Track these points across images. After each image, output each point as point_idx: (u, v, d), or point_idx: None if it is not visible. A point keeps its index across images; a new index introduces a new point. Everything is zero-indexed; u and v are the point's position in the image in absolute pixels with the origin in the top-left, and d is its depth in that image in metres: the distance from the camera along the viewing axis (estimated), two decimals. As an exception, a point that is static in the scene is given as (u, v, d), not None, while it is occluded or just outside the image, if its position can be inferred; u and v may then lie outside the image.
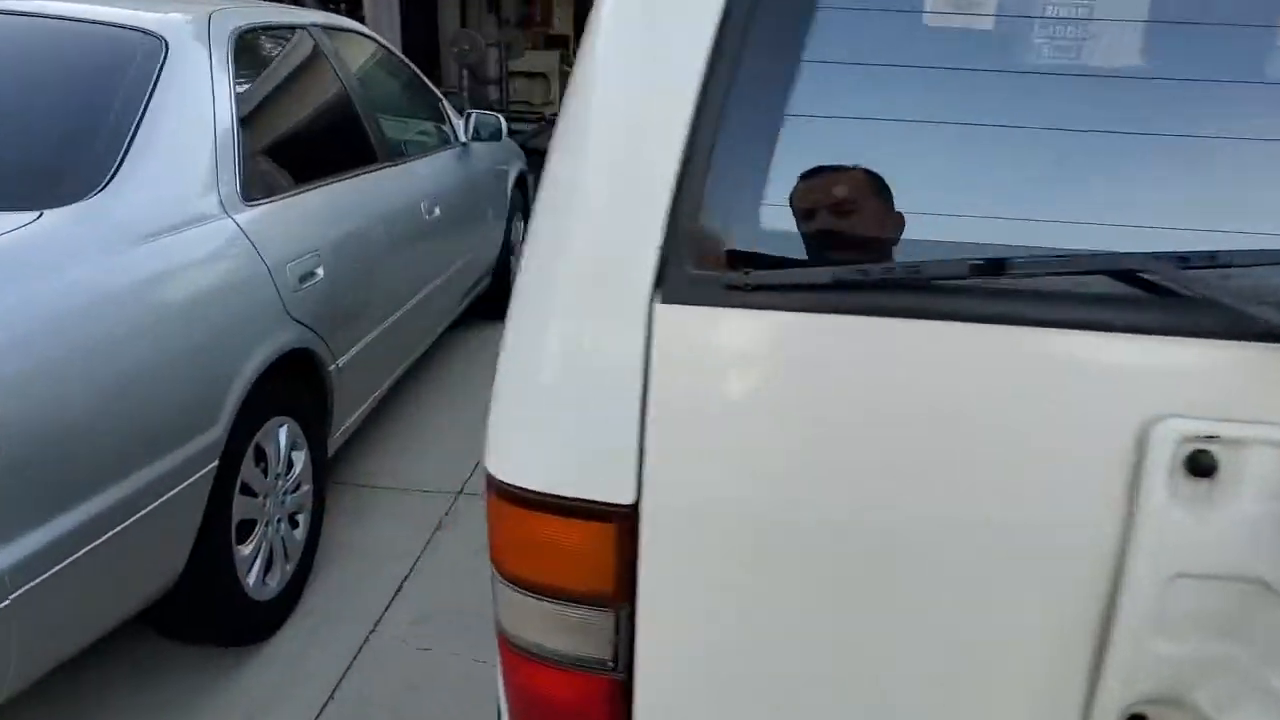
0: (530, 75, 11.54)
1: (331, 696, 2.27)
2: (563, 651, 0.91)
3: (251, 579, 2.33)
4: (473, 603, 2.65)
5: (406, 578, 2.76)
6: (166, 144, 2.20)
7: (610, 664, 0.91)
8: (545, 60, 11.86)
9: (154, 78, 2.27)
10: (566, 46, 12.46)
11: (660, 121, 0.84)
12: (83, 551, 1.74)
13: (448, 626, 2.55)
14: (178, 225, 2.12)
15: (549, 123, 10.07)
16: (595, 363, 0.86)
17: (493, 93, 10.59)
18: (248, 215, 2.36)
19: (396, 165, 3.39)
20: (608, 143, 0.87)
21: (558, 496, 0.87)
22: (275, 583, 2.45)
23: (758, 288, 0.83)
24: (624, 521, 0.87)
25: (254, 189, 2.43)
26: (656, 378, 0.84)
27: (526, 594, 0.92)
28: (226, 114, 2.41)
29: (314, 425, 2.65)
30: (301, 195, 2.65)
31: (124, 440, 1.85)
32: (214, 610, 2.25)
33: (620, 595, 0.89)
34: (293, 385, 2.50)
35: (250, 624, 2.37)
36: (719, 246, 0.85)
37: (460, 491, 3.26)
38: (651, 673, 0.89)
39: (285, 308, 2.39)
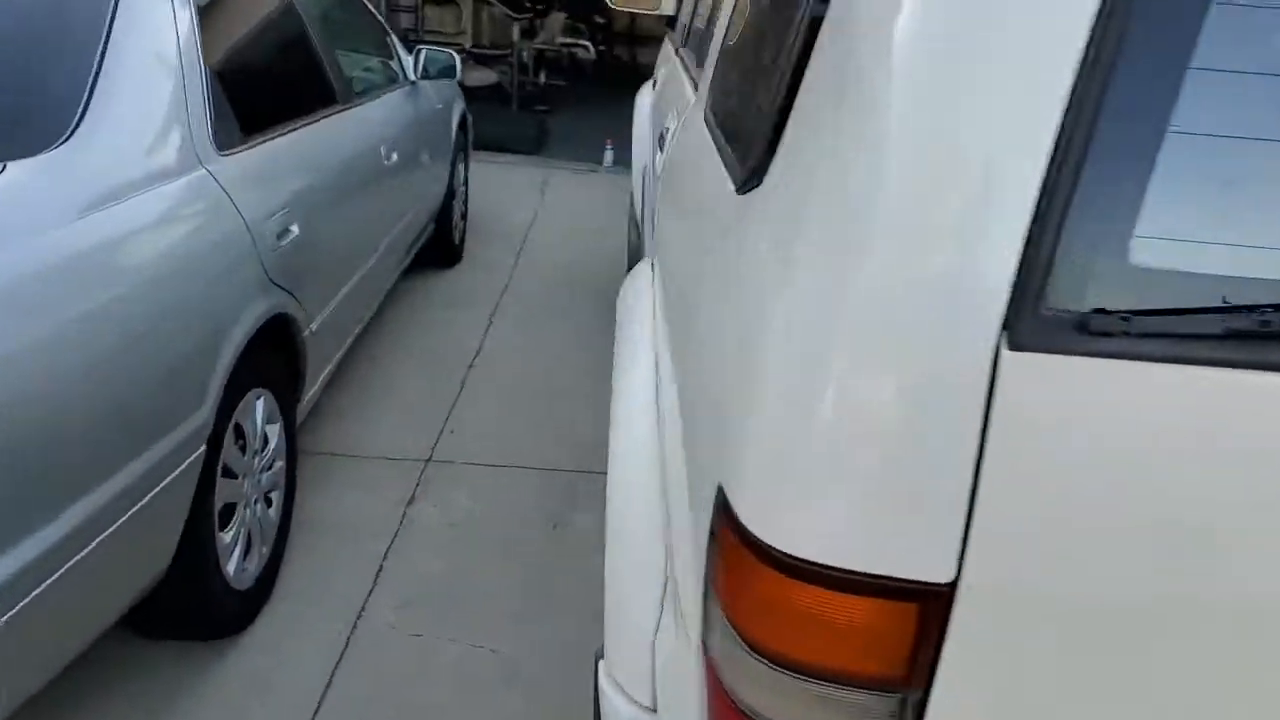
0: (442, 3, 11.02)
1: (324, 697, 2.10)
2: None
3: (232, 566, 2.13)
4: (459, 582, 2.50)
5: (385, 556, 2.58)
6: (132, 84, 1.93)
7: None
8: (458, -11, 11.36)
9: (111, 5, 1.99)
10: (476, -26, 11.95)
11: (1023, 119, 0.69)
12: (69, 565, 1.52)
13: (437, 609, 2.40)
14: (151, 179, 1.87)
15: (469, 55, 9.64)
16: (917, 416, 0.71)
17: (405, 21, 10.09)
18: (222, 166, 2.11)
19: (356, 107, 3.13)
20: (937, 142, 0.71)
21: (852, 571, 0.74)
22: (253, 568, 2.26)
23: (1140, 335, 0.69)
24: (934, 601, 0.74)
25: (225, 136, 2.17)
26: (999, 436, 0.71)
27: (783, 671, 0.79)
28: (192, 50, 2.14)
29: (287, 395, 2.43)
30: (271, 142, 2.40)
31: (109, 432, 1.62)
32: (195, 604, 2.04)
33: (911, 679, 0.77)
34: (269, 353, 2.28)
35: (231, 615, 2.18)
36: (1086, 283, 0.71)
37: (429, 459, 3.08)
38: None
39: (265, 270, 2.16)
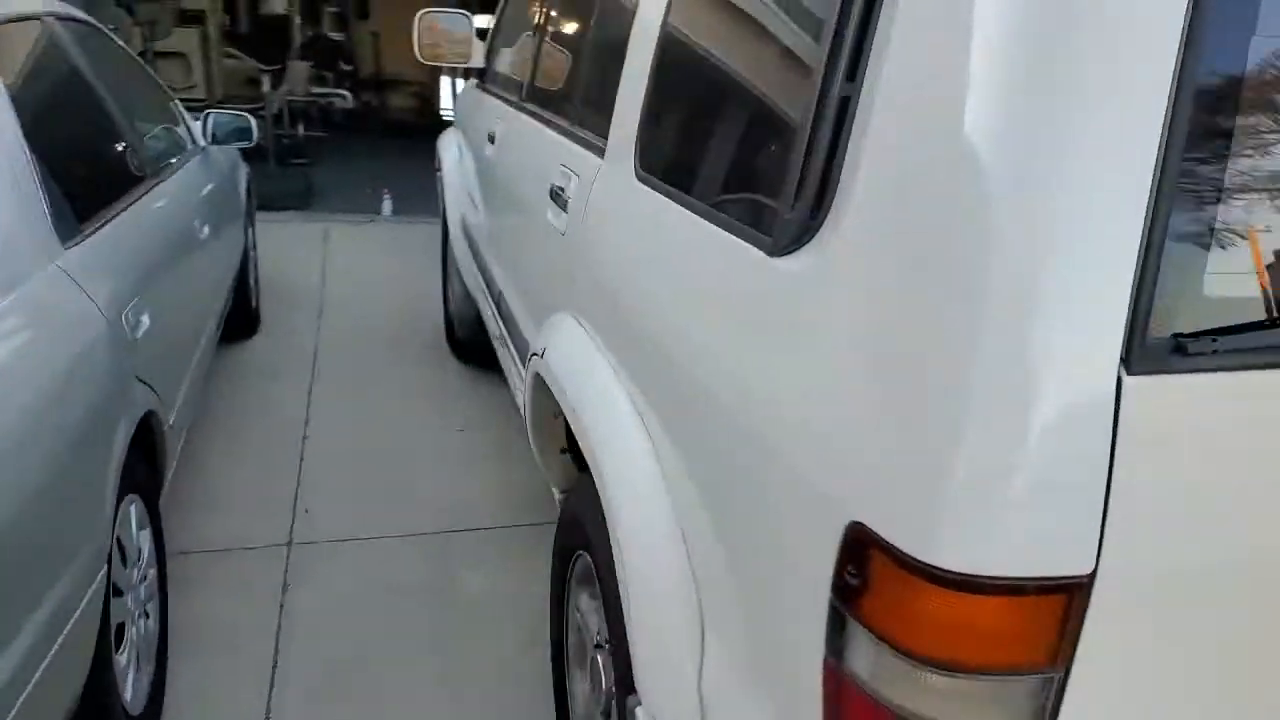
0: (168, 55, 10.41)
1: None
2: None
3: (129, 691, 1.95)
4: (361, 668, 2.38)
5: (276, 655, 2.42)
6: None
7: None
8: (185, 40, 10.77)
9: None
10: (203, 23, 11.38)
11: (1130, 142, 0.80)
12: None
13: (345, 702, 2.28)
14: (3, 285, 1.69)
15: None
16: (1057, 440, 0.82)
17: (135, 77, 9.44)
18: (71, 260, 1.93)
19: (165, 180, 2.92)
20: (1040, 178, 0.81)
21: (1013, 578, 0.85)
22: (142, 690, 2.07)
23: (1225, 351, 0.82)
24: (1078, 591, 0.86)
25: (64, 226, 1.99)
26: (1125, 447, 0.82)
27: (952, 675, 0.88)
28: (14, 138, 1.94)
29: (152, 497, 2.25)
30: (105, 228, 2.21)
31: (19, 571, 1.46)
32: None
33: (1059, 661, 0.89)
34: (135, 455, 2.10)
35: (128, 747, 1.98)
36: (1179, 314, 0.83)
37: (290, 543, 2.92)
38: None
39: (130, 366, 2.00)
